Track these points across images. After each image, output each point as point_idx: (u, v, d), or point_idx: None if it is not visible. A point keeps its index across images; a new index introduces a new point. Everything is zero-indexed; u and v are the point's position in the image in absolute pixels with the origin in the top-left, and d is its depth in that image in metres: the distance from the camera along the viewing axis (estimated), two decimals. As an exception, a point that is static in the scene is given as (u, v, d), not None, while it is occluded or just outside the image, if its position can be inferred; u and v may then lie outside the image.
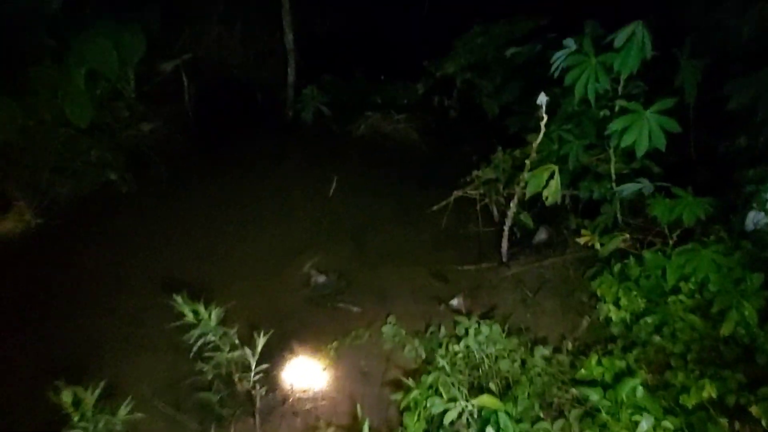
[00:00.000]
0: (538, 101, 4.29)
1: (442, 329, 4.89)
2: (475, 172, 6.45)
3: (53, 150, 6.25)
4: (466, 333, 4.41)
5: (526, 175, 4.74)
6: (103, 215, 6.32)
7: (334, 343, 4.96)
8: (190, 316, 3.49)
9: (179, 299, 3.50)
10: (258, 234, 6.33)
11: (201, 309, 3.47)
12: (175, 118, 7.91)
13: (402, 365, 4.79)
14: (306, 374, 4.74)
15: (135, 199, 6.66)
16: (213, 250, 5.99)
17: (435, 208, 6.57)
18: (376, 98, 8.89)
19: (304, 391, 4.56)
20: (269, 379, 4.54)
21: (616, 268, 4.44)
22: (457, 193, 6.45)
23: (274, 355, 4.73)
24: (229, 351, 3.63)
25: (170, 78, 7.86)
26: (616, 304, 4.34)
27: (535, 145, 4.64)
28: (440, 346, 4.55)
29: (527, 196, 4.90)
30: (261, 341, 3.77)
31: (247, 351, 3.71)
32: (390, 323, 5.06)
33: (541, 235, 6.11)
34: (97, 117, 6.64)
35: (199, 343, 3.52)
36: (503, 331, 4.42)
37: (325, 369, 4.82)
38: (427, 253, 6.19)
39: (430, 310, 5.43)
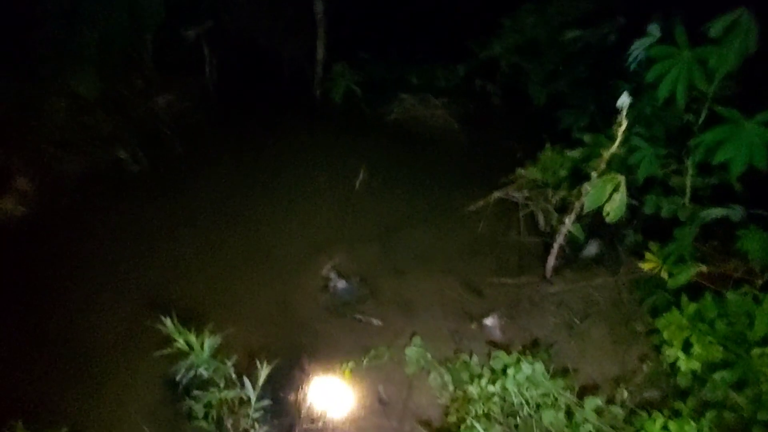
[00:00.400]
0: (619, 103, 3.52)
1: (474, 357, 4.27)
2: (518, 171, 5.73)
3: (58, 123, 5.72)
4: (504, 371, 3.77)
5: (588, 186, 3.99)
6: (109, 197, 5.82)
7: (350, 363, 4.40)
8: (180, 343, 2.93)
9: (168, 323, 2.93)
10: (274, 227, 5.76)
11: (192, 338, 2.90)
12: (195, 92, 7.29)
13: (426, 396, 4.21)
14: (316, 399, 4.19)
15: (145, 180, 6.13)
16: (222, 244, 5.45)
17: (472, 208, 5.89)
18: (412, 79, 8.10)
19: (312, 421, 4.02)
20: (273, 404, 4.03)
21: (691, 308, 3.69)
22: (497, 194, 5.76)
23: (280, 374, 4.20)
24: (225, 388, 3.07)
25: (192, 48, 7.22)
26: (686, 350, 3.63)
27: (606, 155, 3.88)
28: (472, 380, 3.93)
29: (585, 210, 4.16)
30: (264, 372, 3.21)
31: (247, 383, 3.13)
32: (415, 345, 4.47)
33: (591, 249, 5.37)
34: (109, 87, 6.07)
35: (190, 375, 2.97)
36: (547, 372, 3.77)
37: (338, 394, 4.26)
38: (461, 261, 5.52)
39: (460, 328, 4.81)
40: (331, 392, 4.26)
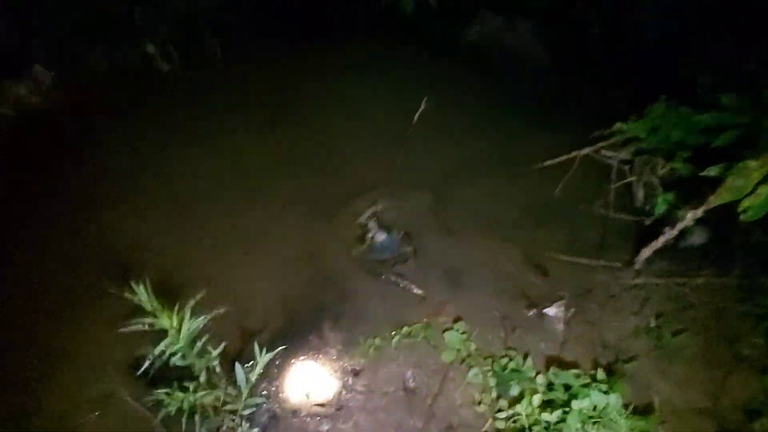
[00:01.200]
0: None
1: (529, 360, 3.44)
2: (618, 125, 4.63)
3: (85, 11, 4.92)
4: (567, 398, 2.93)
5: (737, 179, 2.89)
6: (131, 96, 5.10)
7: (377, 340, 3.69)
8: (151, 320, 2.23)
9: (142, 291, 2.22)
10: (311, 157, 4.94)
11: (165, 319, 2.18)
12: (243, -17, 6.32)
13: (462, 395, 3.46)
14: (330, 377, 3.54)
15: (174, 80, 5.37)
16: (245, 173, 4.68)
17: (549, 163, 4.85)
18: (499, -6, 6.76)
19: (322, 406, 3.38)
20: (276, 379, 3.42)
21: None
22: (586, 151, 4.69)
23: (294, 338, 3.58)
24: (206, 384, 2.38)
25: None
26: (828, 415, 2.66)
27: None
28: (522, 395, 3.13)
29: (715, 203, 3.10)
30: (263, 360, 2.50)
31: (239, 372, 2.45)
32: (457, 330, 3.68)
33: (696, 238, 4.29)
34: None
35: (161, 362, 2.28)
36: (624, 407, 2.90)
37: (357, 373, 3.59)
38: (527, 228, 4.59)
39: (515, 314, 3.97)
40: (349, 370, 3.59)
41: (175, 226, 4.09)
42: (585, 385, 2.95)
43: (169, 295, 2.41)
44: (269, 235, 4.25)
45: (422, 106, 5.38)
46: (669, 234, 3.60)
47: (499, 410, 3.18)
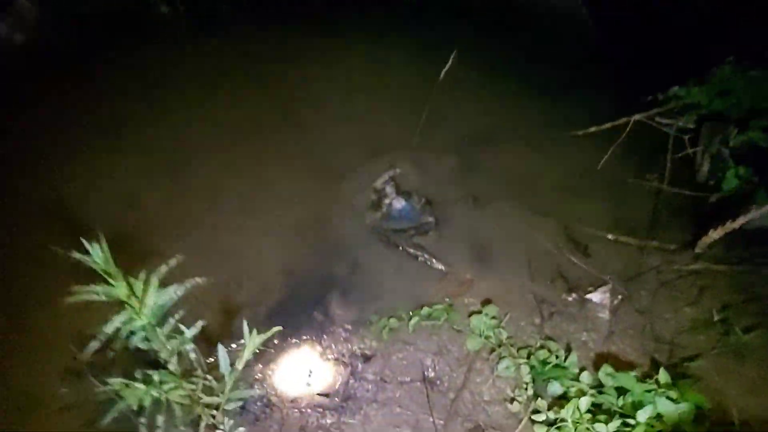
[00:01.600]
0: None
1: (573, 356, 2.90)
2: (674, 90, 4.08)
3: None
4: (621, 399, 2.39)
5: None
6: (124, 39, 4.54)
7: (392, 320, 3.17)
8: (104, 290, 1.69)
9: (95, 250, 1.67)
10: (325, 113, 4.36)
11: (122, 288, 1.64)
12: None
13: (491, 390, 2.95)
14: (335, 363, 3.02)
15: (174, 24, 4.79)
16: (248, 123, 4.12)
17: (593, 130, 4.27)
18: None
19: (326, 396, 2.87)
20: (272, 362, 2.92)
21: None
22: (638, 117, 4.09)
23: (290, 318, 3.07)
24: (177, 374, 1.85)
25: None
26: None
27: None
28: (566, 397, 2.60)
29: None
30: (253, 342, 1.97)
31: (221, 356, 1.93)
32: (486, 314, 3.14)
33: (766, 220, 3.68)
34: None
35: (124, 336, 1.76)
36: (696, 421, 2.35)
37: (368, 359, 3.07)
38: (566, 201, 4.02)
39: (553, 297, 3.42)
40: (359, 355, 3.08)
41: (159, 178, 3.56)
42: (648, 391, 2.40)
43: (140, 259, 1.88)
44: (270, 194, 3.71)
45: (450, 61, 4.76)
46: (751, 215, 3.00)
47: (536, 411, 2.66)
